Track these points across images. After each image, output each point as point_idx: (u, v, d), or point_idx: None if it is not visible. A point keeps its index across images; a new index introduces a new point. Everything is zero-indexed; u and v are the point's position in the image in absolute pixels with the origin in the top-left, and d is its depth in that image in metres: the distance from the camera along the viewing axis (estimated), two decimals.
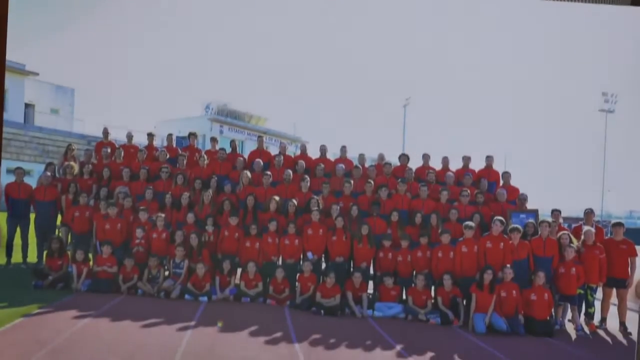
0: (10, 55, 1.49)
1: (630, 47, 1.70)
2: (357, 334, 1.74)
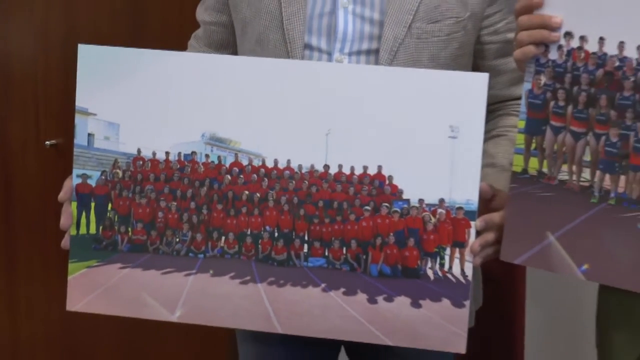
0: (78, 102, 1.50)
1: (464, 97, 1.62)
2: (297, 277, 1.74)
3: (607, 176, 1.12)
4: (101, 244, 1.42)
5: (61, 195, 1.39)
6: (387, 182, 1.31)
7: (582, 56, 1.09)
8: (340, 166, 1.30)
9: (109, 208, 1.42)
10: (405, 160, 1.26)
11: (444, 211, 1.29)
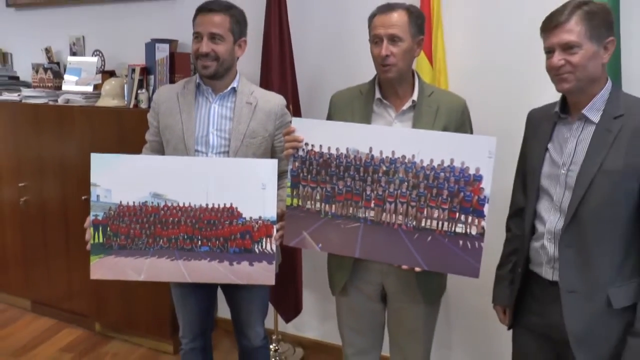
0: (92, 180, 1.67)
1: (267, 171, 1.64)
2: (196, 256, 1.78)
3: (327, 205, 1.58)
4: (105, 247, 1.68)
5: (85, 224, 1.69)
6: (235, 210, 1.64)
7: (313, 153, 1.56)
8: (214, 204, 1.64)
9: (108, 230, 1.67)
10: (243, 199, 1.66)
11: (262, 222, 1.64)
